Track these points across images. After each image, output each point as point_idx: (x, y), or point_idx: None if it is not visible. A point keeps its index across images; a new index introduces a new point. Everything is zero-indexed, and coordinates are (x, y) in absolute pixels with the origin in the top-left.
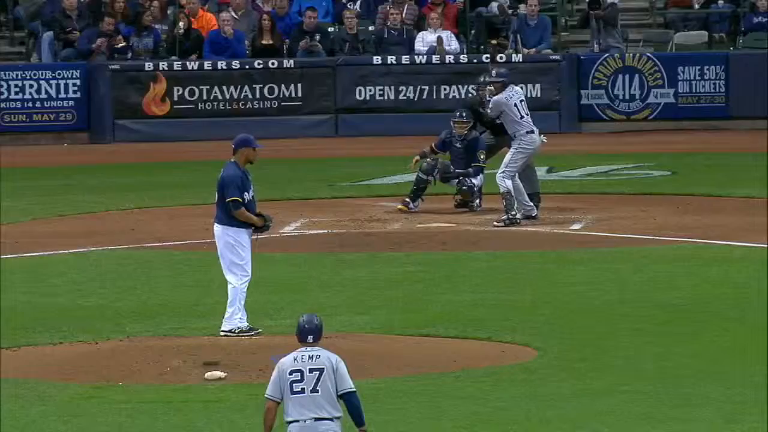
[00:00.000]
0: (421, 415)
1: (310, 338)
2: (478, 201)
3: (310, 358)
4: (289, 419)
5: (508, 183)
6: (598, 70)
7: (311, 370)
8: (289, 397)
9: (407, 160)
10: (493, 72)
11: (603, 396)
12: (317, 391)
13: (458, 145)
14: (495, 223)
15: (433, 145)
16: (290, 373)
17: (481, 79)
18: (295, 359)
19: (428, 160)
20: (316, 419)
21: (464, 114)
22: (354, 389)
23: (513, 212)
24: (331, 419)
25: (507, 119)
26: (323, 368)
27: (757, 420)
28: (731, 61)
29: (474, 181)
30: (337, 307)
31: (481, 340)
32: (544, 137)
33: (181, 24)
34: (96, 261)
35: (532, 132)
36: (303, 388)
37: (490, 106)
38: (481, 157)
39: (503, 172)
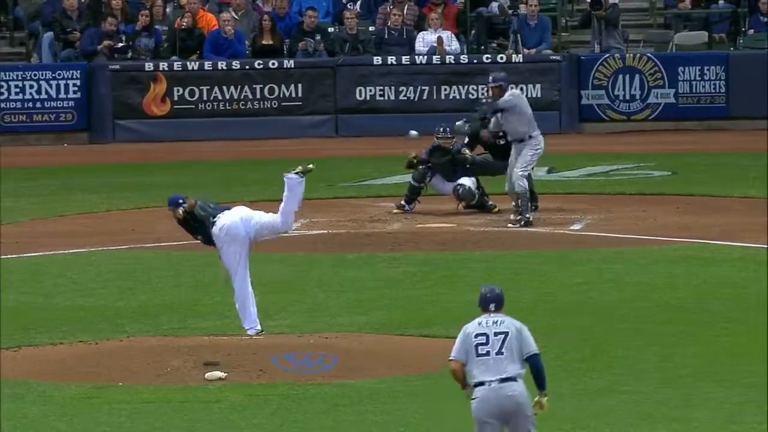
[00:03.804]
0: (421, 416)
1: (492, 306)
2: (492, 203)
3: (495, 323)
4: (476, 381)
5: (526, 183)
6: (599, 71)
7: (496, 334)
8: (473, 360)
9: (407, 161)
10: (491, 77)
11: (603, 396)
12: (502, 353)
13: (443, 159)
14: (509, 224)
15: (422, 156)
16: (475, 336)
17: (482, 99)
18: (479, 323)
19: (420, 168)
20: (501, 380)
21: (447, 129)
22: (538, 352)
23: (528, 214)
24: (515, 379)
25: (521, 119)
26: (508, 332)
27: (758, 420)
28: (731, 62)
29: (466, 182)
30: (337, 308)
31: None
32: None
33: (185, 20)
34: (96, 261)
35: (539, 132)
36: (488, 351)
37: (506, 97)
38: (465, 151)
39: (522, 171)
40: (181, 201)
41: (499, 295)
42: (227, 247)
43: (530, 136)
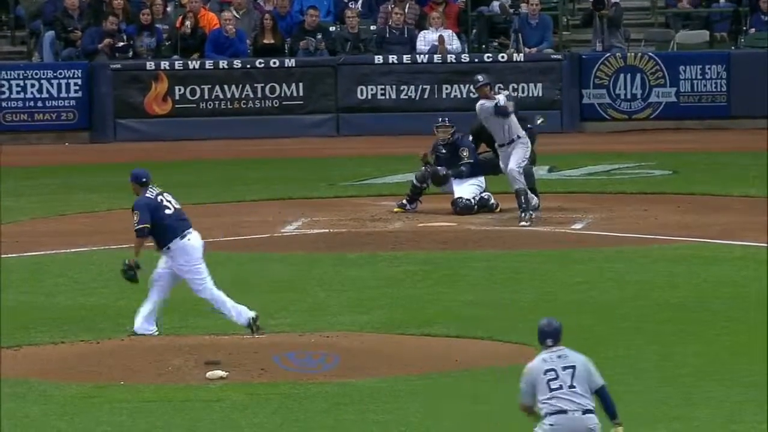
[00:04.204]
0: (422, 415)
1: (549, 341)
2: (493, 201)
3: (559, 357)
4: (552, 410)
5: (522, 179)
6: (600, 70)
7: (564, 368)
8: (548, 395)
9: (408, 160)
10: (480, 77)
11: None
12: (574, 387)
13: (444, 151)
14: (522, 222)
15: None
16: (545, 373)
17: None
18: (544, 360)
19: (423, 169)
20: (584, 412)
21: (447, 119)
22: (605, 383)
23: (531, 212)
24: (593, 411)
25: (513, 119)
26: (575, 365)
27: (758, 420)
28: (732, 61)
29: (467, 193)
30: (338, 307)
31: (482, 339)
32: None
33: (188, 23)
34: (97, 260)
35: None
36: (560, 385)
37: (504, 102)
38: (464, 154)
39: (518, 167)
40: (144, 180)
41: (557, 329)
42: (188, 266)
43: (519, 136)
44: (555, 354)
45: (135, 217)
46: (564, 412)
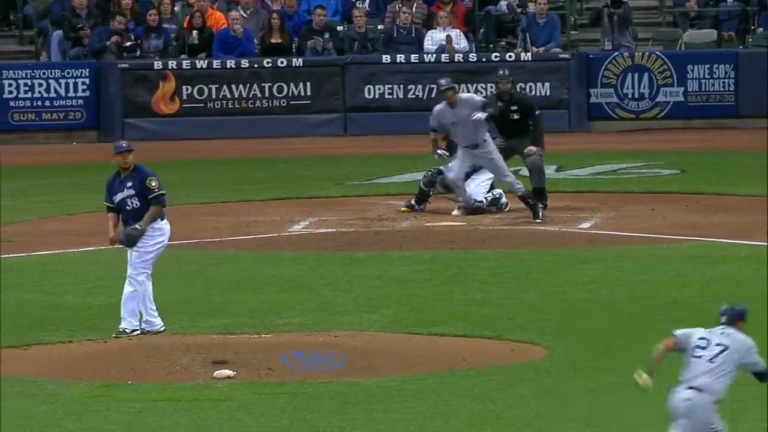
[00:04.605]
0: (430, 414)
1: (723, 318)
2: (504, 200)
3: (721, 333)
4: (682, 379)
5: (521, 184)
6: (608, 69)
7: (718, 344)
8: (688, 359)
9: (416, 159)
10: (443, 81)
11: (612, 394)
12: (713, 363)
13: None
14: (538, 219)
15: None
16: (699, 339)
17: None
18: (710, 330)
19: (431, 171)
20: (688, 388)
21: None
22: (765, 368)
23: (541, 205)
24: (701, 390)
25: (481, 122)
26: (728, 347)
27: (760, 419)
28: (740, 60)
29: (477, 197)
30: (345, 306)
31: (489, 338)
32: None
33: (194, 33)
34: (104, 259)
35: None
36: (702, 355)
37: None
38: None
39: (512, 177)
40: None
41: (733, 310)
42: (154, 249)
43: (485, 140)
44: (720, 329)
45: (154, 183)
46: (681, 383)
